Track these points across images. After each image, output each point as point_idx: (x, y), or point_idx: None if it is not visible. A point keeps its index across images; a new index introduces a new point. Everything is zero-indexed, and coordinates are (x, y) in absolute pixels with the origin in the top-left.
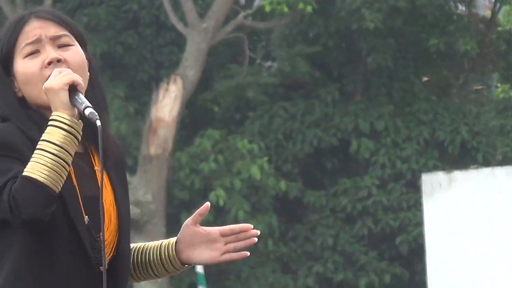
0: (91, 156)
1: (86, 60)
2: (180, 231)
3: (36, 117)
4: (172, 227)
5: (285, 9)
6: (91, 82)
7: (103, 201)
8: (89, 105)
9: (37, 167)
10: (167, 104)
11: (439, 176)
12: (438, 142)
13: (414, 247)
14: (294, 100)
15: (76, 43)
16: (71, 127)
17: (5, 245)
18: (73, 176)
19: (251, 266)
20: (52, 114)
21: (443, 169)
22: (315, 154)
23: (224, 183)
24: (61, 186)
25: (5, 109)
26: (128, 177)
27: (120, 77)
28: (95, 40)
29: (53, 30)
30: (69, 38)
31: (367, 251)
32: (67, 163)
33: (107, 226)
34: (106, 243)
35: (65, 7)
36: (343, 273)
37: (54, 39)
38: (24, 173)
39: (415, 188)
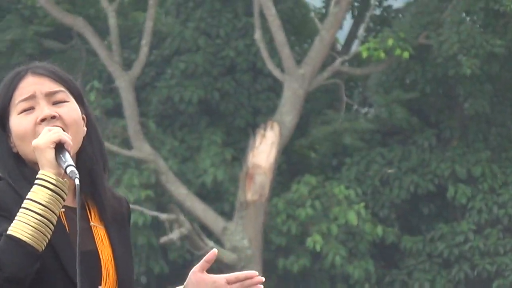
0: (88, 211)
1: (82, 116)
2: (187, 279)
3: (29, 174)
4: (269, 273)
5: (382, 55)
6: (89, 136)
7: (100, 255)
8: (71, 163)
9: (21, 226)
10: (264, 150)
11: None
12: None
13: None
14: (390, 146)
15: (72, 99)
16: (57, 186)
17: None
18: (68, 232)
19: None
20: (39, 173)
21: None
22: (412, 200)
23: (321, 228)
24: (45, 245)
25: (0, 166)
26: (225, 223)
27: (217, 123)
28: (192, 87)
29: (48, 86)
30: (65, 94)
31: None
32: (51, 222)
33: (104, 281)
34: None
35: (162, 53)
36: None
37: (49, 96)
38: (8, 232)
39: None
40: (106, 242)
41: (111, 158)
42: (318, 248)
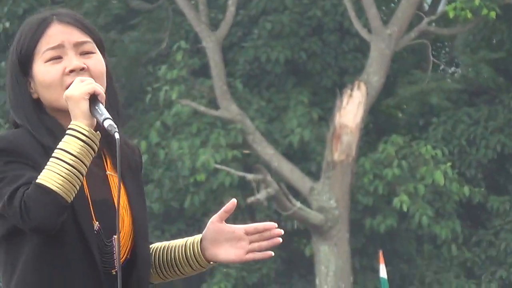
0: (104, 159)
1: (106, 68)
2: (206, 228)
3: (49, 123)
4: (356, 233)
5: (469, 15)
6: (108, 88)
7: (115, 203)
8: (109, 116)
9: (51, 176)
10: (351, 110)
11: None
12: None
13: None
14: (477, 105)
15: (97, 50)
16: (89, 138)
17: (17, 251)
18: (84, 180)
19: (435, 271)
20: (71, 123)
21: None
22: (498, 159)
23: (407, 188)
24: (74, 196)
25: (19, 112)
26: (312, 183)
27: (304, 83)
28: (279, 47)
29: (76, 36)
30: (92, 45)
31: None
32: (81, 174)
33: (120, 229)
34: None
35: (249, 13)
36: None
37: (77, 46)
38: (37, 181)
39: None
40: (122, 190)
41: (198, 118)
42: (405, 208)
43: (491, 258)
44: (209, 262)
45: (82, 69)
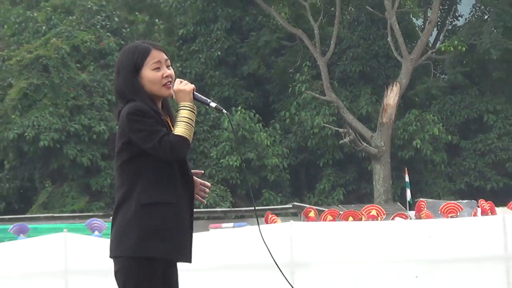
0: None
1: None
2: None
3: (150, 99)
4: (393, 159)
5: (452, 49)
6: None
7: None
8: (210, 100)
9: (184, 130)
10: (392, 96)
11: None
12: None
13: None
14: (455, 95)
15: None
16: (194, 110)
17: (140, 167)
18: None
19: (432, 178)
20: (183, 103)
21: None
22: (466, 122)
23: (420, 136)
24: None
25: (135, 93)
26: (372, 133)
27: (369, 82)
28: (357, 64)
29: (165, 57)
30: (170, 62)
31: None
32: (193, 128)
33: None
34: None
35: (340, 47)
36: None
37: (166, 62)
38: (176, 132)
39: None
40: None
41: (315, 100)
42: (418, 146)
43: (461, 169)
44: None
45: (170, 75)
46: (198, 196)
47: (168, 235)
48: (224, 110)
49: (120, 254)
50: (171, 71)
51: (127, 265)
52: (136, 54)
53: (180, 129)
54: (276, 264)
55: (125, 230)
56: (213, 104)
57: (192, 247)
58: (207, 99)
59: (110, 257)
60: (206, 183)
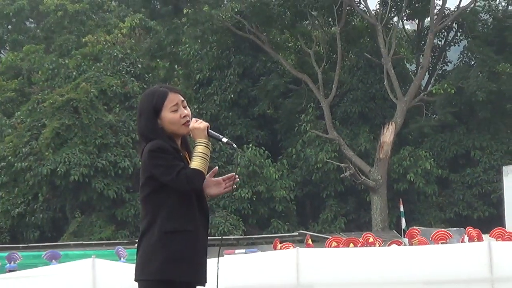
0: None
1: None
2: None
3: (170, 138)
4: (389, 191)
5: (442, 91)
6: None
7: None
8: (222, 136)
9: (199, 164)
10: (387, 134)
11: None
12: None
13: None
14: (445, 133)
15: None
16: (209, 145)
17: (161, 200)
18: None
19: (425, 208)
20: (199, 140)
21: None
22: (455, 158)
23: (413, 170)
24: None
25: (155, 133)
26: (370, 168)
27: (366, 121)
28: (356, 105)
29: (181, 98)
30: (186, 103)
31: None
32: (208, 162)
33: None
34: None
35: (341, 90)
36: None
37: (183, 103)
38: (193, 166)
39: None
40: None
41: (318, 138)
42: (412, 179)
43: (450, 200)
44: (207, 196)
45: (188, 115)
46: (228, 188)
47: (186, 260)
48: (234, 144)
49: (144, 277)
50: (188, 111)
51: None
52: (155, 98)
53: (195, 163)
54: None
55: (149, 256)
56: (224, 140)
57: (206, 270)
58: (219, 135)
59: (135, 280)
60: (228, 175)
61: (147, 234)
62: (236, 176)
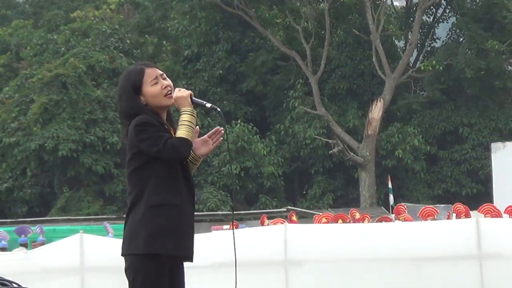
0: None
1: None
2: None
3: (154, 113)
4: (378, 167)
5: (430, 68)
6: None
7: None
8: (205, 102)
9: (185, 133)
10: (376, 111)
11: None
12: None
13: None
14: (432, 109)
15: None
16: (194, 113)
17: (148, 173)
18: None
19: (413, 184)
20: (184, 108)
21: None
22: (443, 134)
23: (401, 147)
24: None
25: (139, 111)
26: (358, 144)
27: (355, 98)
28: (344, 82)
29: (159, 72)
30: (165, 74)
31: None
32: (194, 130)
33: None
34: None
35: (329, 67)
36: None
37: (161, 76)
38: (181, 136)
39: None
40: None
41: (307, 115)
42: (400, 155)
43: (438, 177)
44: (198, 156)
45: (168, 85)
46: (216, 143)
47: (173, 234)
48: (218, 109)
49: (130, 252)
50: (168, 82)
51: (137, 262)
52: (132, 76)
53: (181, 132)
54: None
55: (135, 230)
56: (208, 105)
57: (193, 245)
58: (203, 101)
59: (122, 255)
60: (213, 130)
61: (134, 209)
62: (221, 128)
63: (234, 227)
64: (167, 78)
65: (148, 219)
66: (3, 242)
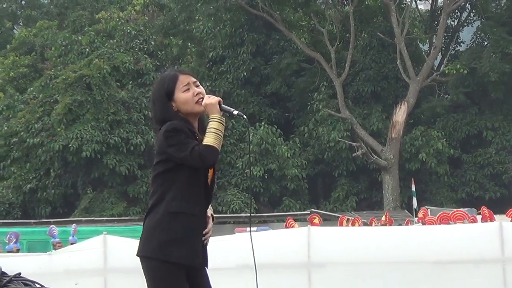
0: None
1: None
2: None
3: (185, 121)
4: (401, 170)
5: (454, 71)
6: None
7: None
8: (234, 109)
9: (213, 140)
10: (400, 114)
11: None
12: None
13: None
14: (458, 113)
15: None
16: (222, 121)
17: (172, 178)
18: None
19: (436, 187)
20: (213, 115)
21: None
22: (466, 138)
23: (425, 150)
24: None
25: (171, 117)
26: (382, 147)
27: (379, 101)
28: (368, 85)
29: (192, 79)
30: (198, 82)
31: None
32: (222, 138)
33: (210, 177)
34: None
35: (354, 70)
36: None
37: (194, 83)
38: (206, 143)
39: None
40: None
41: (331, 117)
42: (423, 159)
43: (462, 180)
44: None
45: (200, 92)
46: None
47: (186, 243)
48: (244, 116)
49: (145, 254)
50: (200, 89)
51: (149, 265)
52: (166, 82)
53: (208, 139)
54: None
55: (151, 233)
56: (235, 112)
57: (202, 253)
58: (230, 108)
59: (137, 255)
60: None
61: (153, 211)
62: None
63: (251, 231)
64: (200, 86)
65: (165, 224)
66: (12, 244)
